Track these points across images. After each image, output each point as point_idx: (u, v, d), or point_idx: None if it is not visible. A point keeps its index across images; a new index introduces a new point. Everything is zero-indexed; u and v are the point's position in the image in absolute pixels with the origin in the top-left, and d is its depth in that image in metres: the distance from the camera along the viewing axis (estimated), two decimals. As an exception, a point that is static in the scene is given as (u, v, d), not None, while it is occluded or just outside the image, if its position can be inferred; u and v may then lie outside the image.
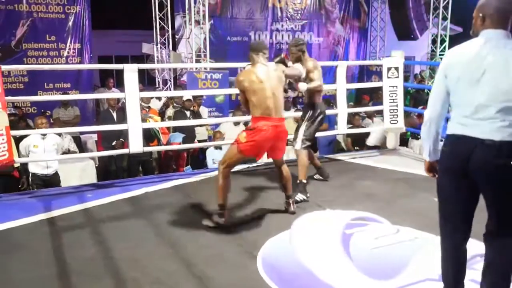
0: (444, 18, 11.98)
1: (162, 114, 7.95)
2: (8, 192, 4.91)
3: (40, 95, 8.47)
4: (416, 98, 10.88)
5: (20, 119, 7.03)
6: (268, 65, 3.61)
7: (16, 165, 5.18)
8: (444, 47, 12.00)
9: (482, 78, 2.03)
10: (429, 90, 11.50)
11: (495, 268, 2.21)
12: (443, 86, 2.20)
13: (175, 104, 7.96)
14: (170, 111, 7.79)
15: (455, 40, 12.37)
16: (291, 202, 3.78)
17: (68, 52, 9.14)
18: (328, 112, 7.97)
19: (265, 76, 3.51)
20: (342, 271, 2.86)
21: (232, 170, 3.56)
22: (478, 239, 3.20)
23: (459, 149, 2.15)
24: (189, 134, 6.95)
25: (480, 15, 2.14)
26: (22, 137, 5.41)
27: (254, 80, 3.47)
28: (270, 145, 3.53)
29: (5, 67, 4.42)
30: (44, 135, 5.39)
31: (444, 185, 2.27)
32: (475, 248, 3.12)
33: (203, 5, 9.55)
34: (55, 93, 8.82)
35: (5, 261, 2.96)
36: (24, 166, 5.56)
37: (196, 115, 7.32)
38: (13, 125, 5.10)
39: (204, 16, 9.61)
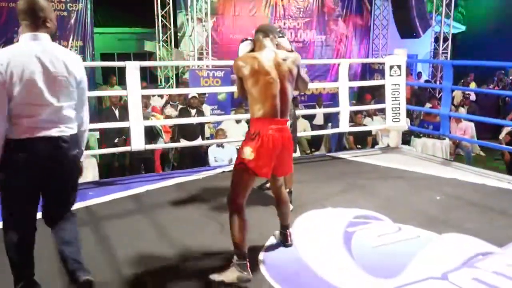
0: (447, 16, 11.95)
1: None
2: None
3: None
4: (419, 96, 10.87)
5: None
6: (278, 53, 2.82)
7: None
8: (447, 45, 11.97)
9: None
10: (432, 89, 11.53)
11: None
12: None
13: (171, 103, 7.96)
14: (168, 110, 7.78)
15: (458, 38, 12.36)
16: (288, 233, 3.14)
17: (70, 50, 9.14)
18: (330, 110, 8.00)
19: (273, 66, 2.73)
20: (344, 269, 2.86)
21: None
22: (480, 237, 3.21)
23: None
24: (193, 132, 6.91)
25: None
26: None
27: (257, 69, 2.68)
28: (276, 156, 2.74)
29: (7, 65, 4.42)
30: None
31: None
32: (477, 246, 3.12)
33: (206, 2, 9.54)
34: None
35: (5, 260, 2.96)
36: None
37: (200, 113, 7.30)
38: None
39: (206, 13, 9.61)
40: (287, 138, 2.77)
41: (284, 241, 3.14)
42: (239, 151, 2.75)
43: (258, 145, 2.63)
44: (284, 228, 3.14)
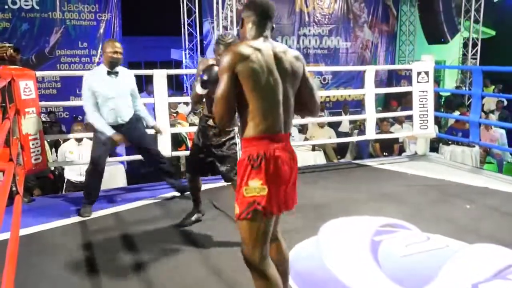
0: (476, 21, 11.71)
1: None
2: (43, 193, 5.07)
3: (72, 100, 8.69)
4: (451, 102, 10.66)
5: (52, 124, 7.21)
6: (274, 43, 2.08)
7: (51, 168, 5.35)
8: (476, 51, 11.73)
9: None
10: (462, 95, 11.20)
11: None
12: None
13: (194, 111, 8.03)
14: (191, 118, 7.85)
15: (488, 43, 12.09)
16: None
17: (99, 58, 9.34)
18: (357, 117, 7.93)
19: (273, 61, 2.01)
20: (370, 278, 2.83)
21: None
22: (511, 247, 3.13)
23: None
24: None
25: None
26: (57, 142, 5.56)
27: (261, 66, 1.95)
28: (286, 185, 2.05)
29: (39, 73, 4.56)
30: (80, 141, 5.49)
31: None
32: (509, 257, 3.03)
33: (231, 11, 9.62)
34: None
35: (40, 261, 3.04)
36: (60, 171, 5.69)
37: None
38: (45, 131, 5.26)
39: (232, 21, 9.69)
40: (295, 159, 2.08)
41: None
42: (239, 188, 1.99)
43: (269, 173, 1.94)
44: None
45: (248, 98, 1.96)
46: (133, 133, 3.96)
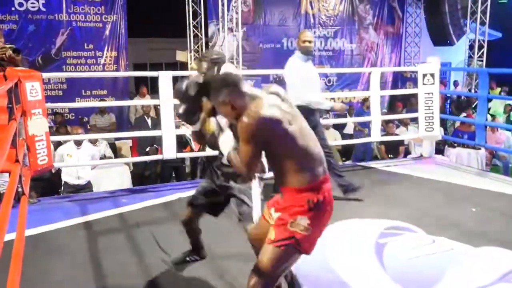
0: (482, 23, 11.65)
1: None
2: (46, 195, 5.09)
3: (78, 101, 8.73)
4: (461, 103, 10.62)
5: (59, 126, 7.24)
6: (279, 90, 2.08)
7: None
8: (482, 53, 11.67)
9: None
10: (467, 97, 11.21)
11: None
12: None
13: None
14: None
15: (494, 45, 12.02)
16: None
17: (105, 60, 9.38)
18: (362, 119, 7.90)
19: (293, 113, 2.01)
20: (375, 281, 2.82)
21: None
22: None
23: None
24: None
25: None
26: (60, 143, 5.56)
27: (288, 122, 1.92)
28: None
29: (45, 75, 4.58)
30: (79, 145, 5.47)
31: None
32: (516, 261, 3.01)
33: (236, 12, 9.64)
34: (92, 100, 9.07)
35: (46, 261, 3.06)
36: (58, 173, 5.66)
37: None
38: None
39: (237, 23, 9.70)
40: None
41: None
42: (281, 220, 1.95)
43: (319, 215, 1.94)
44: None
45: (287, 155, 1.91)
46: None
